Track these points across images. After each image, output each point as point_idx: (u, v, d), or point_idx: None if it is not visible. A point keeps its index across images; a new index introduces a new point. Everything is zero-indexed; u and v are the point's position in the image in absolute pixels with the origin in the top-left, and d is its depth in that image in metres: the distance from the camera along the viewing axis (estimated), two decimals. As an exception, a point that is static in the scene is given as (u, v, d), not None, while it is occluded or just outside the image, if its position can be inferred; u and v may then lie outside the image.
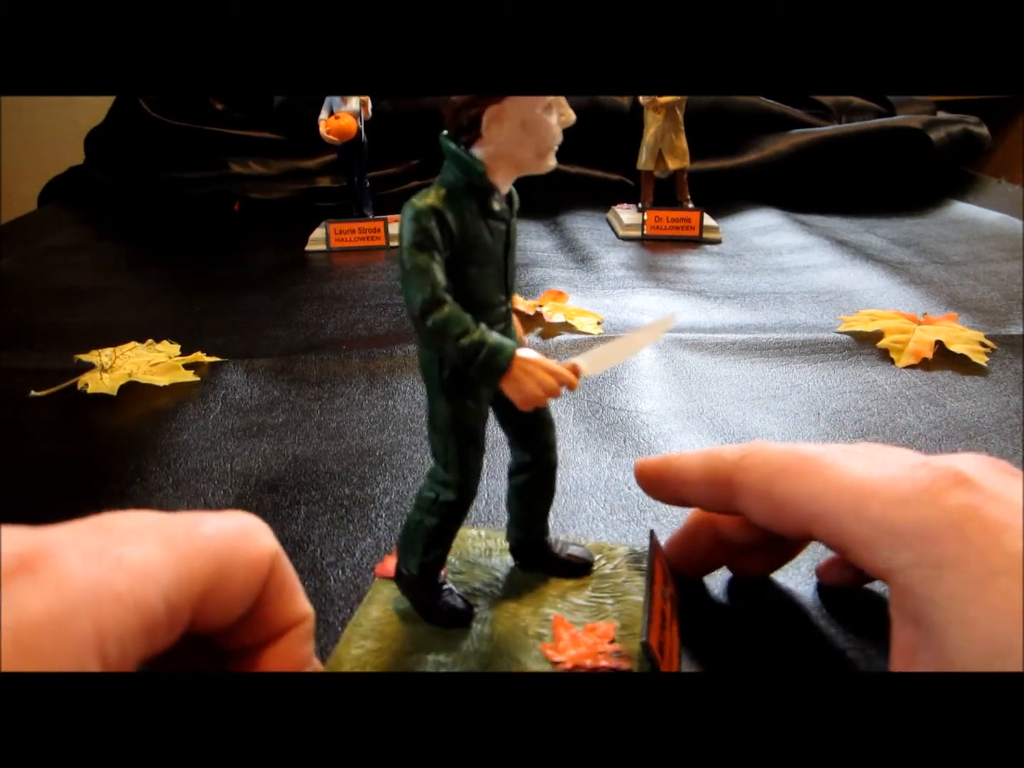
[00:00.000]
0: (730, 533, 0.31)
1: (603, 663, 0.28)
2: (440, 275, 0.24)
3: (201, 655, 0.23)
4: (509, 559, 0.33)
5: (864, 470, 0.25)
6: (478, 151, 0.26)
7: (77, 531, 0.20)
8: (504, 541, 0.34)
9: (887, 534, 0.23)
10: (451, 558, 0.33)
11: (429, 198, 0.25)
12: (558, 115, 0.26)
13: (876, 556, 0.24)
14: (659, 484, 0.32)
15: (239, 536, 0.22)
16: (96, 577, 0.18)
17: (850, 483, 0.25)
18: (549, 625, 0.30)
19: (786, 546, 0.34)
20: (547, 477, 0.32)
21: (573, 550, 0.33)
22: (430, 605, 0.30)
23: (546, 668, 0.28)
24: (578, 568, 0.33)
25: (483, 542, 0.34)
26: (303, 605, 0.23)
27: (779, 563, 0.34)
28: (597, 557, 0.34)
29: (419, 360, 0.28)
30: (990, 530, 0.22)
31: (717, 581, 0.35)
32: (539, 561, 0.33)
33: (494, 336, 0.25)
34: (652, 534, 0.32)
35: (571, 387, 0.25)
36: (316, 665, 0.25)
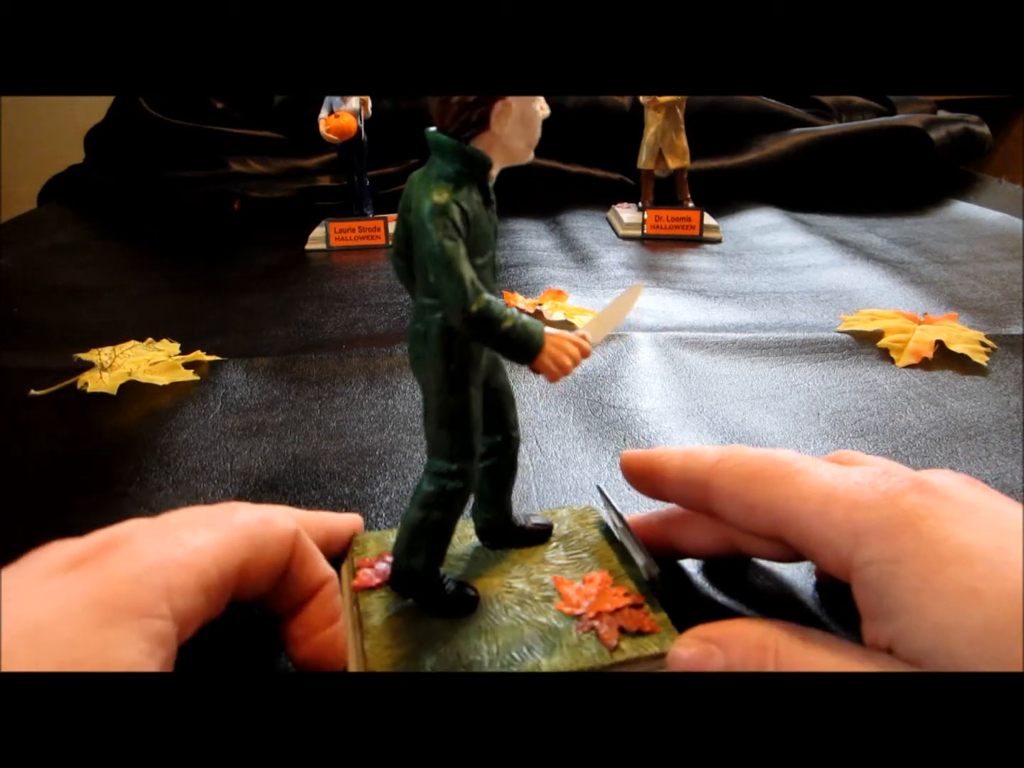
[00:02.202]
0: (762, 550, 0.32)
1: (621, 604, 0.29)
2: (469, 265, 0.25)
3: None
4: (472, 543, 0.34)
5: (830, 477, 0.27)
6: (478, 145, 0.26)
7: (140, 524, 0.26)
8: (461, 528, 0.34)
9: (849, 535, 0.25)
10: None
11: (446, 193, 0.25)
12: (540, 108, 0.27)
13: (839, 556, 0.25)
14: (642, 478, 0.33)
15: (266, 520, 0.28)
16: (162, 551, 0.24)
17: (817, 489, 0.26)
18: (550, 587, 0.31)
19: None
20: (515, 455, 0.33)
21: (535, 520, 0.34)
22: (439, 599, 0.30)
23: (572, 624, 0.29)
24: (545, 535, 0.34)
25: None
26: (325, 569, 0.30)
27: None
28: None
29: (414, 359, 0.28)
30: (942, 525, 0.23)
31: (705, 573, 0.35)
32: (508, 538, 0.34)
33: (524, 316, 0.26)
34: (600, 489, 0.36)
35: (587, 355, 0.28)
36: (343, 617, 0.30)
